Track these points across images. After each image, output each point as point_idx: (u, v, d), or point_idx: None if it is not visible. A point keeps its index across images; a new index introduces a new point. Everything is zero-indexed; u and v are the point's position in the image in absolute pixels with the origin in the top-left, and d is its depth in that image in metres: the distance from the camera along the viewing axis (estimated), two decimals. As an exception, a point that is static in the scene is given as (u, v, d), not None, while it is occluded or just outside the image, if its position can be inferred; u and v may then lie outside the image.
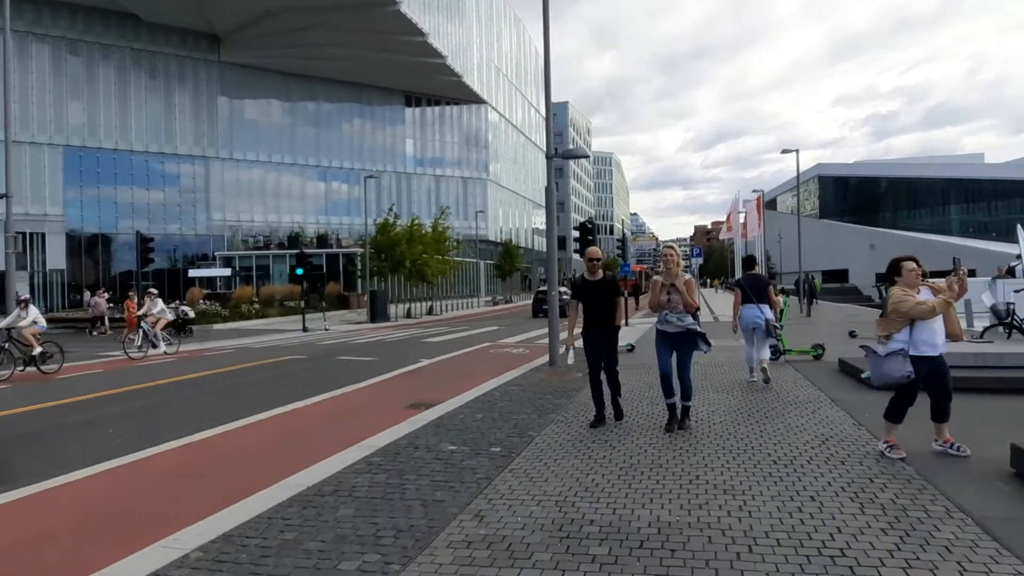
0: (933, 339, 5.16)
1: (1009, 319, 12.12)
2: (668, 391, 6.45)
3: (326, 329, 27.62)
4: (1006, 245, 38.47)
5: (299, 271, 28.22)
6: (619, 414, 6.83)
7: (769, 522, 3.89)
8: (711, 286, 78.93)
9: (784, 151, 33.37)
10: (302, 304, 29.43)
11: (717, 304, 34.67)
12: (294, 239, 52.33)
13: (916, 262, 5.29)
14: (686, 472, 4.99)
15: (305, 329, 26.91)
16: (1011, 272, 14.16)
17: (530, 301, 39.13)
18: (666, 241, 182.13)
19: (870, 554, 3.39)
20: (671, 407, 6.46)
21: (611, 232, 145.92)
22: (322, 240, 53.59)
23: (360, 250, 40.27)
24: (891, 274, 5.41)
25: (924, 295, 5.19)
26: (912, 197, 59.88)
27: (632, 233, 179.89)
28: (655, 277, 6.49)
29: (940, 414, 5.24)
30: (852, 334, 15.61)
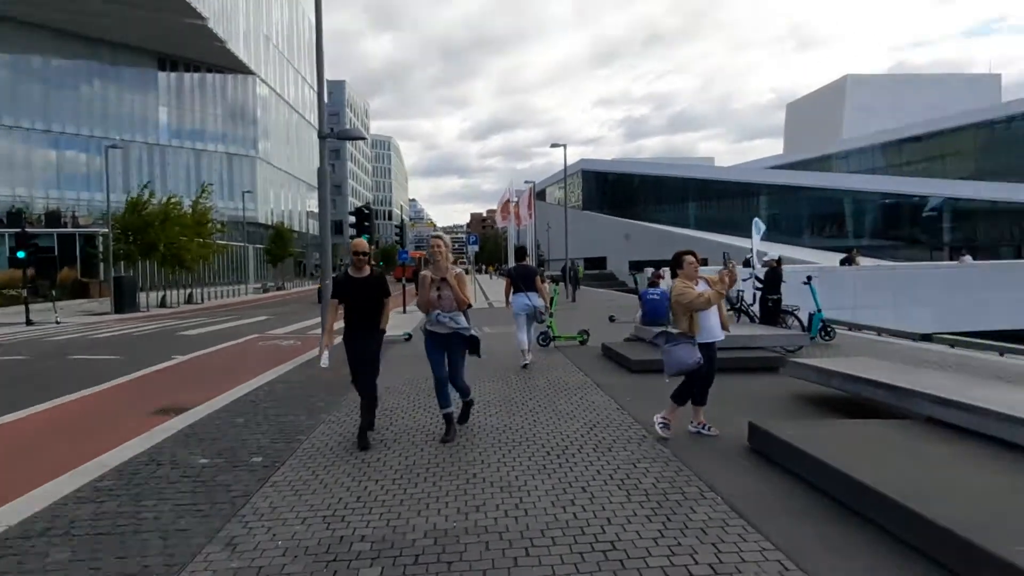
0: (712, 328, 5.62)
1: (739, 304, 13.91)
2: (444, 400, 5.83)
3: (57, 322, 23.69)
4: (734, 239, 44.55)
5: (21, 254, 23.77)
6: (364, 444, 5.59)
7: (544, 519, 3.87)
8: (486, 272, 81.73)
9: (553, 145, 35.31)
10: (25, 293, 24.95)
11: (492, 291, 35.83)
12: (15, 216, 43.96)
13: (695, 255, 5.70)
14: (463, 471, 4.85)
15: (30, 322, 22.86)
16: (747, 263, 16.17)
17: (304, 288, 37.20)
18: (438, 229, 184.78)
19: (638, 544, 3.48)
20: (447, 417, 5.85)
21: (390, 218, 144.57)
22: (53, 218, 45.81)
23: (103, 230, 35.16)
24: (674, 267, 5.74)
25: (700, 287, 5.60)
26: (658, 193, 66.96)
27: (411, 219, 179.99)
28: (423, 272, 5.84)
29: (702, 398, 5.70)
30: (611, 319, 16.92)
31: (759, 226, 16.38)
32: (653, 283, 13.33)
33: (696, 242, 45.21)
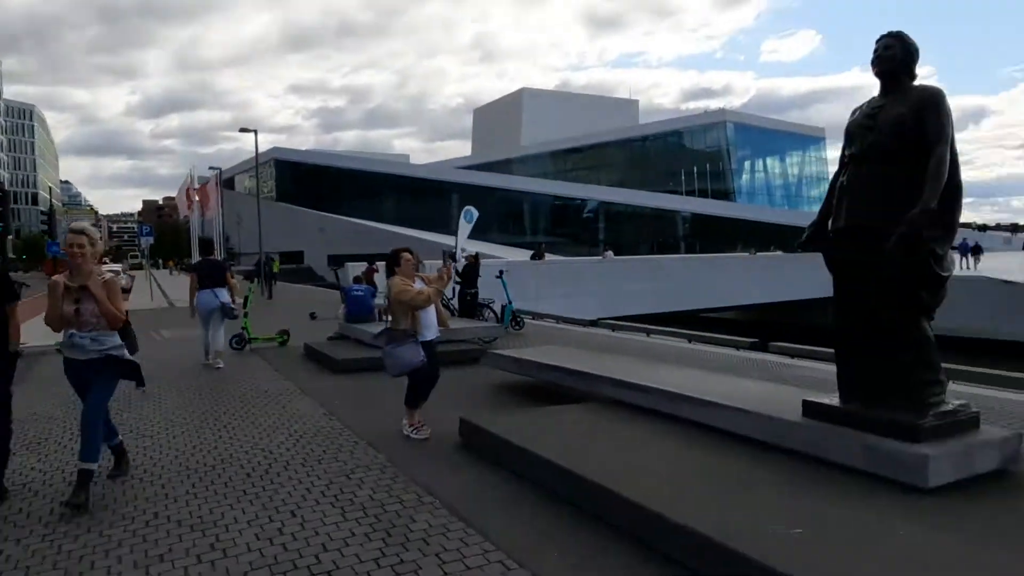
0: (431, 325, 5.63)
1: (442, 300, 14.33)
2: (88, 445, 4.21)
3: None
4: (429, 234, 46.06)
5: None
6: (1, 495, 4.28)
7: (248, 558, 3.37)
8: (165, 267, 72.82)
9: (242, 130, 32.80)
10: None
11: (172, 289, 31.96)
12: None
13: (412, 253, 5.62)
14: (141, 511, 4.05)
15: None
16: (452, 257, 16.58)
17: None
18: (101, 219, 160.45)
19: (358, 569, 3.20)
20: (82, 474, 4.14)
21: (35, 202, 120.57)
22: None
23: None
24: (391, 264, 5.64)
25: (418, 285, 5.54)
26: (356, 187, 66.46)
27: (64, 205, 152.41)
28: (55, 278, 4.29)
29: (421, 398, 5.63)
30: (312, 316, 16.18)
31: (471, 214, 16.14)
32: (358, 279, 13.03)
33: (394, 237, 45.78)
